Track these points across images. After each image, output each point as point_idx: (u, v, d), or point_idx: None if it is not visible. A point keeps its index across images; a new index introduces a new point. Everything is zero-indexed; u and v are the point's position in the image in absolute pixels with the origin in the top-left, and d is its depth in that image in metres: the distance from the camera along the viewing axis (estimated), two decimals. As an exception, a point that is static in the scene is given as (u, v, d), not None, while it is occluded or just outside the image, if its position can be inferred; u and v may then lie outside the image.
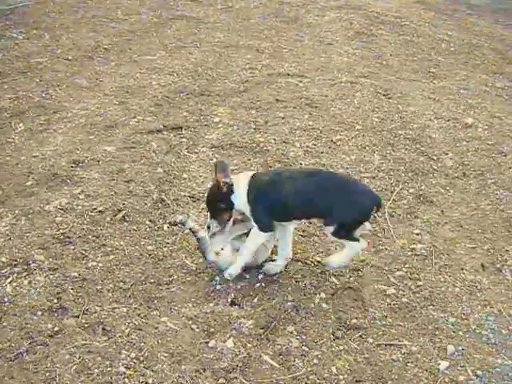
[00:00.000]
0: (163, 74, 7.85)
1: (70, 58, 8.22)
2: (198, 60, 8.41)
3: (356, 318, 3.91)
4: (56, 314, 3.83)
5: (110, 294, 4.01)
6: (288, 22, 10.58)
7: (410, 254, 4.59)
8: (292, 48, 9.11)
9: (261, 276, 4.26)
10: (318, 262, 4.42)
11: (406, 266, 4.45)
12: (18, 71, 7.64)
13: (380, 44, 9.64)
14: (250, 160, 5.70)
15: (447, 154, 6.10)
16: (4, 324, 3.74)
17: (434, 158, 5.99)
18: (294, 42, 9.52)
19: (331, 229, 4.03)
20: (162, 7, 10.99)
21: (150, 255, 4.41)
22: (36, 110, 6.62)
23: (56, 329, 3.71)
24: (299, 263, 4.40)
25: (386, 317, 3.94)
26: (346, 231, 4.06)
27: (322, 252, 4.53)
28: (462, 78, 8.44)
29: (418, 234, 4.83)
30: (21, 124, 6.30)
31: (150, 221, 4.79)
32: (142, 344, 3.62)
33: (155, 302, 3.98)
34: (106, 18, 10.15)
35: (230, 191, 4.07)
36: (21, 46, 8.50)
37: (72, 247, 4.43)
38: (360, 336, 3.79)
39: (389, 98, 7.39)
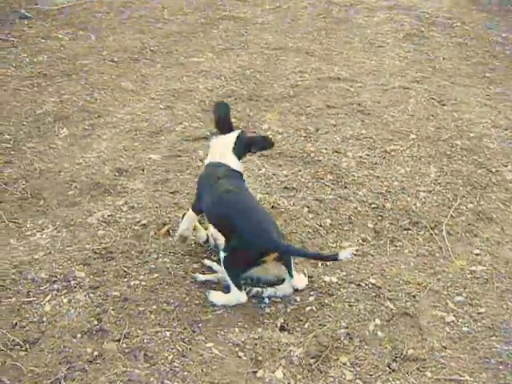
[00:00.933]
0: (210, 77, 7.62)
1: (115, 59, 8.04)
2: (245, 63, 8.16)
3: (413, 348, 3.63)
4: (96, 337, 3.62)
5: (153, 317, 3.79)
6: (337, 23, 10.25)
7: (469, 276, 4.29)
8: (342, 50, 8.80)
9: (312, 298, 4.01)
10: (373, 284, 4.12)
11: (466, 290, 4.14)
12: (64, 73, 7.48)
13: (432, 46, 9.25)
14: (300, 171, 5.44)
15: (506, 166, 5.76)
16: (42, 346, 3.55)
17: (493, 170, 5.65)
18: (344, 44, 9.20)
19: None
20: (208, 7, 10.76)
21: (195, 274, 4.16)
22: (80, 115, 6.45)
23: (95, 353, 3.50)
24: (352, 285, 4.12)
25: (446, 348, 3.65)
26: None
27: (377, 273, 4.22)
28: (520, 83, 8.00)
29: (477, 255, 4.53)
30: (64, 129, 6.14)
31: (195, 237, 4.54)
32: (186, 373, 3.41)
33: (200, 325, 3.75)
34: (153, 19, 9.95)
35: None
36: (67, 48, 8.35)
37: (114, 263, 4.22)
38: (418, 369, 3.52)
39: (443, 105, 7.05)
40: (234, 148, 4.19)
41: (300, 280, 4.09)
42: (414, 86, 7.51)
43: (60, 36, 8.82)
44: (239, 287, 3.88)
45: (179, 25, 9.76)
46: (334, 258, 3.89)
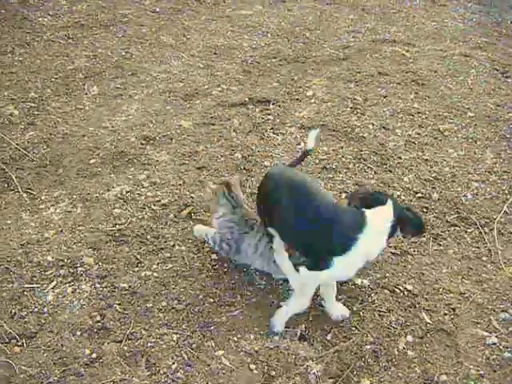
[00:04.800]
0: (256, 33, 7.13)
1: (157, 9, 7.60)
2: (296, 18, 7.63)
3: (446, 374, 3.21)
4: (96, 336, 3.31)
5: (161, 315, 3.45)
6: (399, -23, 9.50)
7: (519, 287, 3.78)
8: (401, 9, 8.15)
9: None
10: (409, 291, 3.67)
11: (515, 304, 3.65)
12: (101, 24, 7.09)
13: (500, 8, 8.47)
14: (342, 148, 4.97)
15: None
16: (38, 342, 3.27)
17: (559, 157, 5.05)
18: (404, 1, 8.52)
19: None
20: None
21: (213, 266, 3.80)
22: (113, 71, 6.07)
23: (94, 355, 3.20)
24: (386, 291, 3.68)
25: (483, 376, 3.20)
26: None
27: (414, 278, 3.77)
28: None
29: (531, 261, 4.00)
30: (94, 87, 5.78)
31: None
32: (189, 386, 3.05)
33: (211, 328, 3.39)
34: (202, -35, 9.38)
35: None
36: (108, -5, 7.92)
37: (127, 249, 3.88)
38: (449, 400, 3.08)
39: (506, 78, 6.38)
40: None
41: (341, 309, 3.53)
42: (477, 53, 6.85)
43: (104, -19, 8.37)
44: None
45: (230, -27, 9.17)
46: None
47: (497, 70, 6.47)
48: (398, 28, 7.49)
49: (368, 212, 3.10)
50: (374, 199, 3.20)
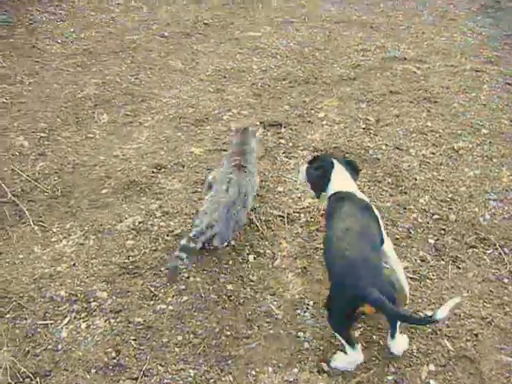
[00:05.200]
0: (266, 55, 7.10)
1: (166, 34, 7.60)
2: (304, 38, 7.60)
3: (472, 403, 3.09)
4: (112, 374, 3.24)
5: (178, 350, 3.37)
6: (407, -7, 9.48)
7: (543, 309, 3.68)
8: (410, 25, 8.11)
9: (357, 333, 3.50)
10: (430, 317, 3.57)
11: (539, 328, 3.55)
12: (110, 50, 7.08)
13: (508, 19, 8.43)
14: (356, 170, 4.87)
15: None
16: (53, 381, 3.19)
17: None
18: (413, 16, 8.50)
19: None
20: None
21: (229, 297, 3.72)
22: (123, 98, 6.04)
23: (109, 396, 3.09)
24: (407, 318, 3.56)
25: (510, 405, 3.09)
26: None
27: (435, 303, 3.67)
28: None
29: (555, 282, 3.90)
30: (104, 115, 5.74)
31: (234, 249, 4.08)
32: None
33: (229, 362, 3.31)
34: (211, -14, 9.40)
35: None
36: (116, 21, 7.96)
37: (141, 281, 3.81)
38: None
39: (520, 92, 6.31)
40: None
41: (400, 344, 3.40)
42: (488, 68, 6.80)
43: (111, 8, 8.40)
44: (350, 344, 3.19)
45: (237, -5, 9.19)
46: (431, 320, 3.08)
47: (509, 84, 6.41)
48: (407, 45, 7.44)
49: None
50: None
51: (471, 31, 7.95)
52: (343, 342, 3.19)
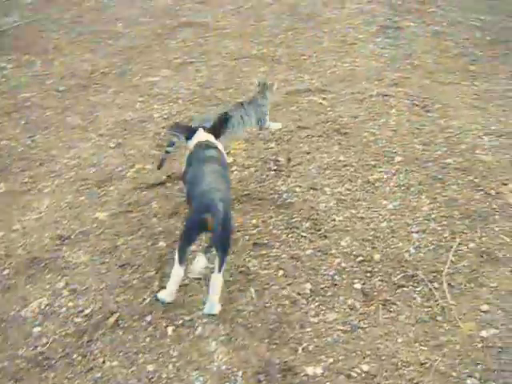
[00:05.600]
0: (166, 101, 6.85)
1: (61, 89, 7.24)
2: (205, 79, 7.38)
3: None
4: None
5: None
6: (305, 21, 9.40)
7: (480, 346, 3.55)
8: (311, 54, 7.99)
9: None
10: (366, 372, 3.39)
11: (479, 367, 3.41)
12: (3, 111, 6.70)
13: (408, 39, 8.42)
14: (271, 218, 4.71)
15: (506, 184, 5.00)
16: None
17: (492, 192, 4.89)
18: (313, 44, 8.38)
19: None
20: (165, 14, 9.93)
21: (150, 380, 3.42)
22: (20, 164, 5.70)
23: None
24: (341, 377, 3.41)
25: None
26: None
27: (370, 355, 3.49)
28: (507, 75, 7.17)
29: (487, 312, 3.79)
30: (1, 184, 5.37)
31: (151, 325, 3.80)
32: None
33: None
34: (105, 34, 9.13)
35: None
36: (9, 78, 7.59)
37: (52, 374, 3.48)
38: None
39: (427, 111, 6.24)
40: None
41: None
42: (394, 90, 6.73)
43: (2, 65, 8.01)
44: (180, 262, 3.73)
45: (133, 38, 8.96)
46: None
47: (417, 105, 6.34)
48: (310, 75, 7.32)
49: None
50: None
51: (373, 54, 7.89)
52: (176, 258, 3.70)
